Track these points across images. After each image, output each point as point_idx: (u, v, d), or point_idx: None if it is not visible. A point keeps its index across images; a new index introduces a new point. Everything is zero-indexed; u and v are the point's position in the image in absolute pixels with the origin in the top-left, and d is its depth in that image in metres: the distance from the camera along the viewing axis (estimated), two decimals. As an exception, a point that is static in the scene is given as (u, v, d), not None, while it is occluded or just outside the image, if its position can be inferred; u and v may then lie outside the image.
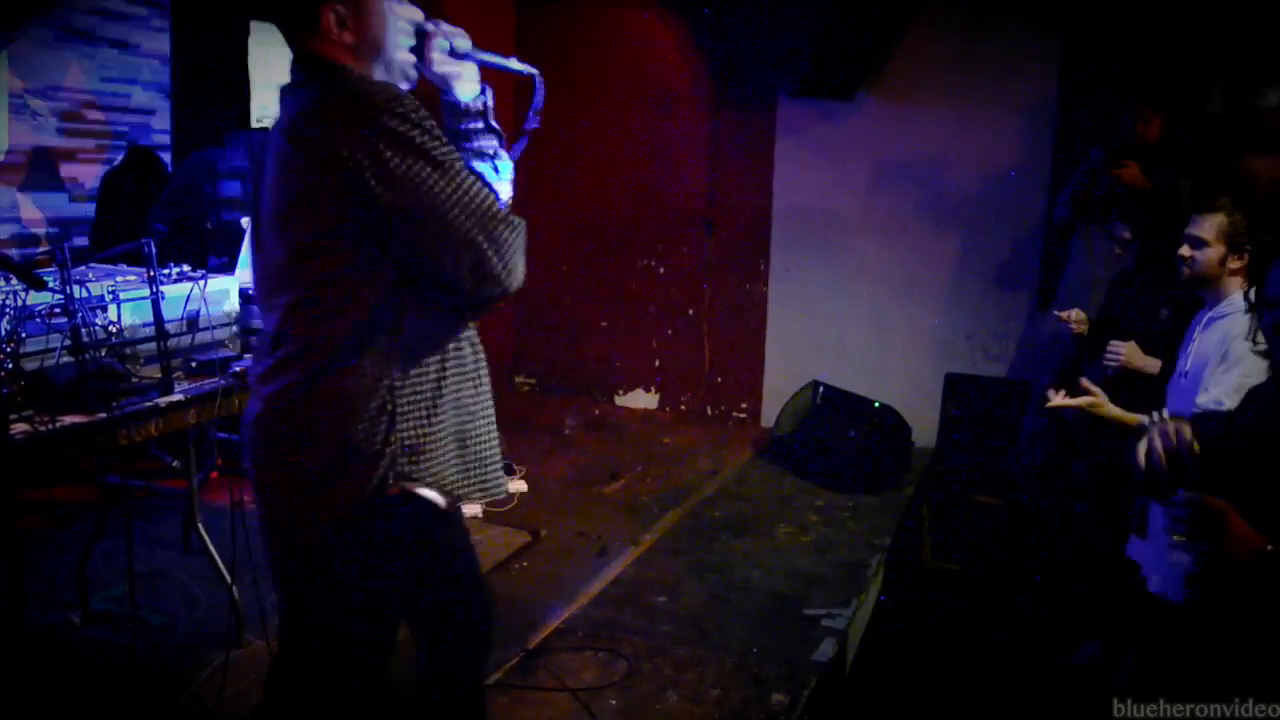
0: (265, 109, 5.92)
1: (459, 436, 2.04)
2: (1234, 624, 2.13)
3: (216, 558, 3.35)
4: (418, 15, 2.10)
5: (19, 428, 2.61)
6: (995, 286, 5.75)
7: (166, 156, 5.17)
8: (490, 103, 2.14)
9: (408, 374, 1.96)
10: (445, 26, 2.14)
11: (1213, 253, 3.13)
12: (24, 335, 2.76)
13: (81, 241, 4.86)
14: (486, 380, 2.12)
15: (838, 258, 6.03)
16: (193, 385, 3.09)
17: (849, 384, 5.62)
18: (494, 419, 2.13)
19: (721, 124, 6.15)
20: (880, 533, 4.62)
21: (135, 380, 2.96)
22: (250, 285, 3.57)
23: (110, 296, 3.00)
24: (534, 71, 2.19)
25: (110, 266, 3.38)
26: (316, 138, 1.89)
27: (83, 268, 3.17)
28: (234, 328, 3.45)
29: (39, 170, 4.71)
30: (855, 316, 6.03)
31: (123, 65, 4.97)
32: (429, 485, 1.98)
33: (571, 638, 3.55)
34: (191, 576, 3.81)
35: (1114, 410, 3.01)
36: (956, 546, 4.90)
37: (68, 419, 2.71)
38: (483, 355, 2.13)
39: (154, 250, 2.92)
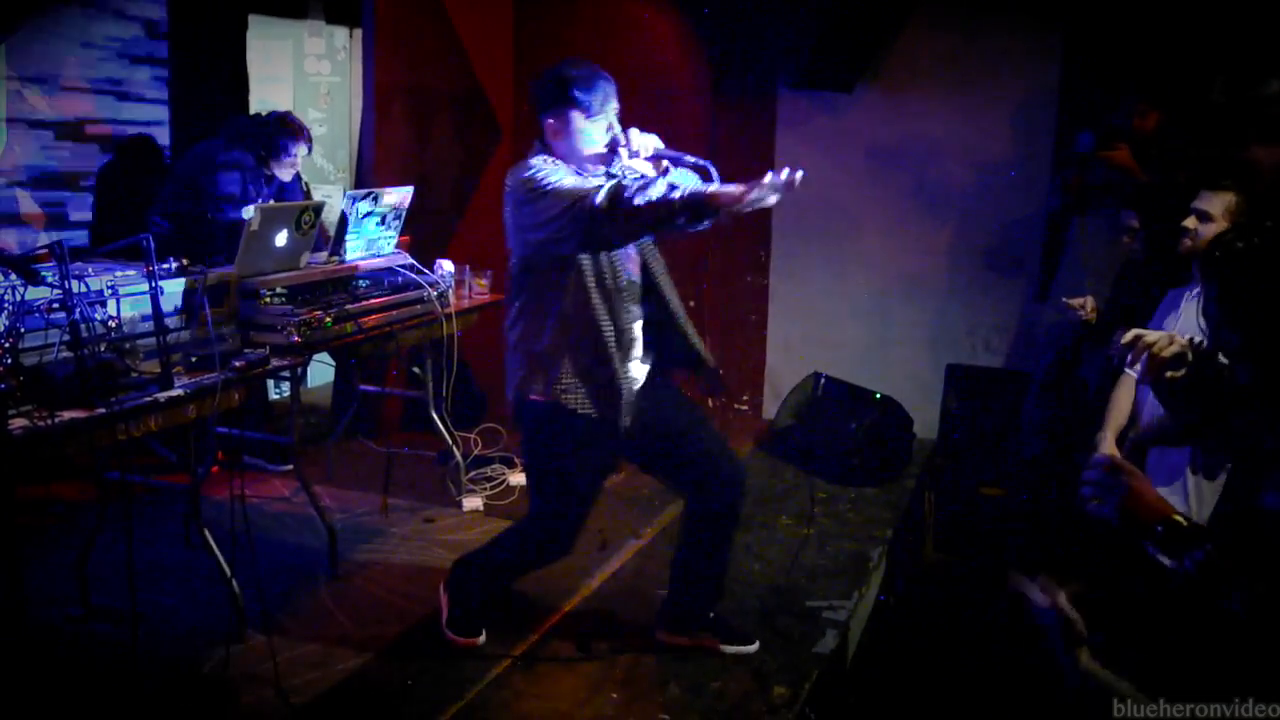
0: (264, 102, 5.90)
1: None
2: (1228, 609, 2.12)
3: (217, 552, 3.35)
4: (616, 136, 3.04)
5: (18, 423, 2.61)
6: (996, 278, 5.74)
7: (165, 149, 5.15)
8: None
9: None
10: (635, 140, 3.04)
11: (1216, 229, 3.12)
12: (23, 330, 2.76)
13: (81, 236, 4.85)
14: None
15: (838, 249, 6.02)
16: (192, 380, 3.09)
17: (850, 376, 5.61)
18: None
19: (721, 116, 6.13)
20: (882, 525, 4.62)
21: (134, 375, 2.95)
22: (250, 280, 3.57)
23: (109, 291, 2.99)
24: (708, 164, 2.99)
25: (109, 261, 3.37)
26: None
27: (81, 263, 3.15)
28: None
29: (37, 164, 4.70)
30: (856, 308, 6.02)
31: (121, 59, 4.95)
32: None
33: (574, 631, 3.54)
34: (192, 571, 3.81)
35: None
36: (959, 538, 4.90)
37: (67, 414, 2.71)
38: None
39: (152, 244, 2.91)
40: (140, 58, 5.02)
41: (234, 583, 3.34)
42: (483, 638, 3.39)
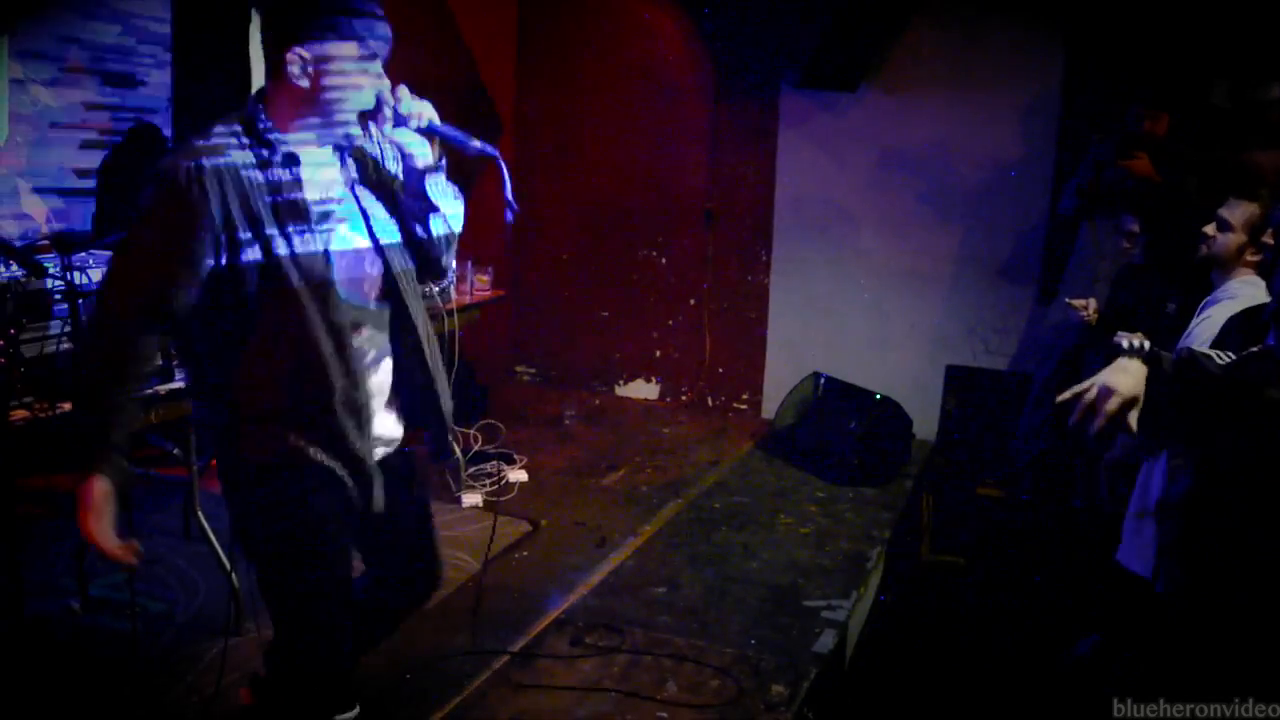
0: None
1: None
2: (1217, 612, 2.13)
3: (216, 545, 3.35)
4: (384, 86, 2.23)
5: (19, 414, 2.61)
6: (997, 279, 5.74)
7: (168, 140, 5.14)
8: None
9: None
10: (406, 101, 2.26)
11: (1234, 239, 3.14)
12: (25, 322, 2.76)
13: (84, 229, 4.84)
14: None
15: (839, 249, 6.02)
16: (193, 373, 3.08)
17: (850, 376, 5.61)
18: None
19: (723, 114, 6.13)
20: (880, 525, 4.62)
21: (136, 367, 2.95)
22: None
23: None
24: (495, 153, 2.29)
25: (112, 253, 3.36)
26: None
27: (84, 254, 3.15)
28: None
29: (40, 157, 4.69)
30: (856, 308, 6.02)
31: (125, 52, 4.94)
32: None
33: (571, 628, 3.55)
34: (191, 563, 3.81)
35: None
36: (957, 539, 4.90)
37: (68, 406, 2.71)
38: None
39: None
40: (144, 51, 5.01)
41: (233, 575, 3.33)
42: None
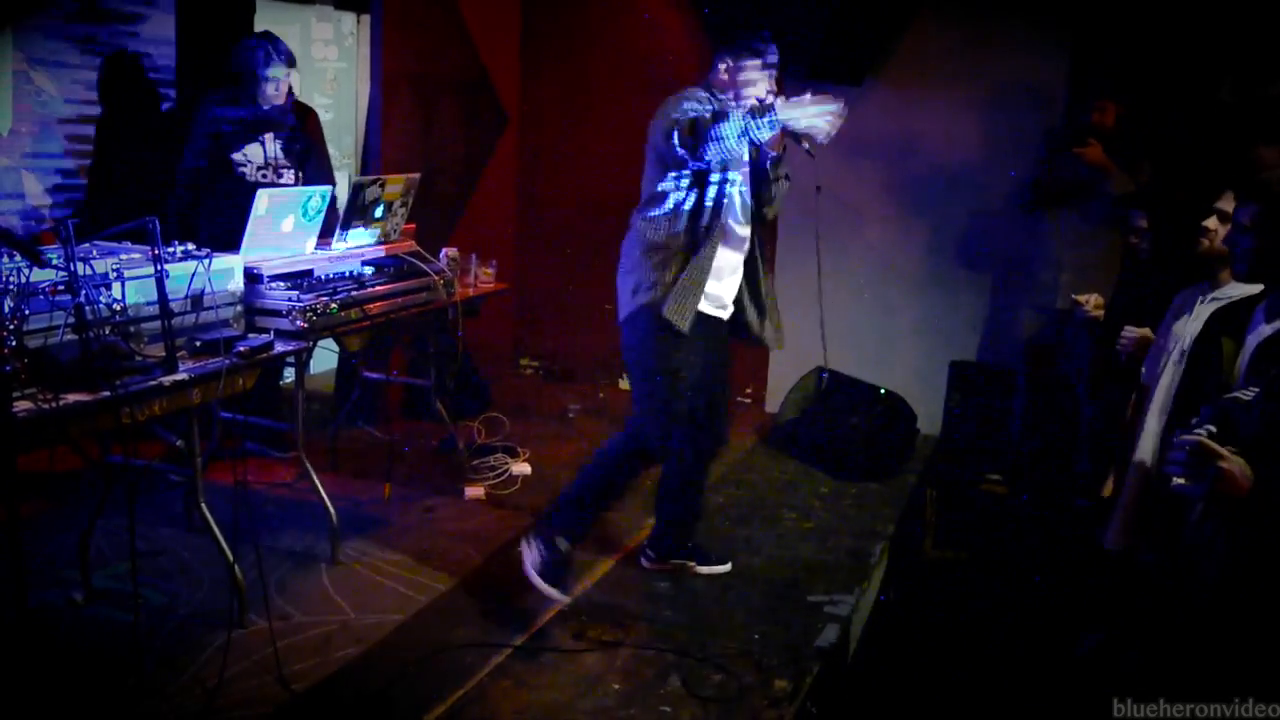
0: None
1: None
2: (1228, 608, 2.13)
3: (219, 536, 3.34)
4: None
5: (22, 406, 2.60)
6: (1002, 275, 5.72)
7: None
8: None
9: None
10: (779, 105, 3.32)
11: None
12: (27, 312, 2.74)
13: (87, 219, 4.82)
14: None
15: (844, 244, 5.99)
16: (196, 365, 3.08)
17: (854, 371, 5.60)
18: None
19: (729, 108, 6.11)
20: (884, 520, 4.62)
21: (139, 359, 2.94)
22: (255, 265, 3.56)
23: (114, 274, 2.98)
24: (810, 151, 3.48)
25: (115, 244, 3.35)
26: None
27: (87, 244, 3.14)
28: (238, 307, 3.43)
29: (42, 146, 4.68)
30: (861, 303, 6.01)
31: (129, 42, 4.93)
32: None
33: (573, 622, 3.54)
34: (194, 555, 3.81)
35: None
36: (961, 534, 4.90)
37: (71, 397, 2.70)
38: None
39: (158, 227, 2.90)
40: (148, 41, 4.99)
41: (236, 568, 3.33)
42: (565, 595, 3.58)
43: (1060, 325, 5.07)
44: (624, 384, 6.62)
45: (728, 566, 3.99)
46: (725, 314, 3.71)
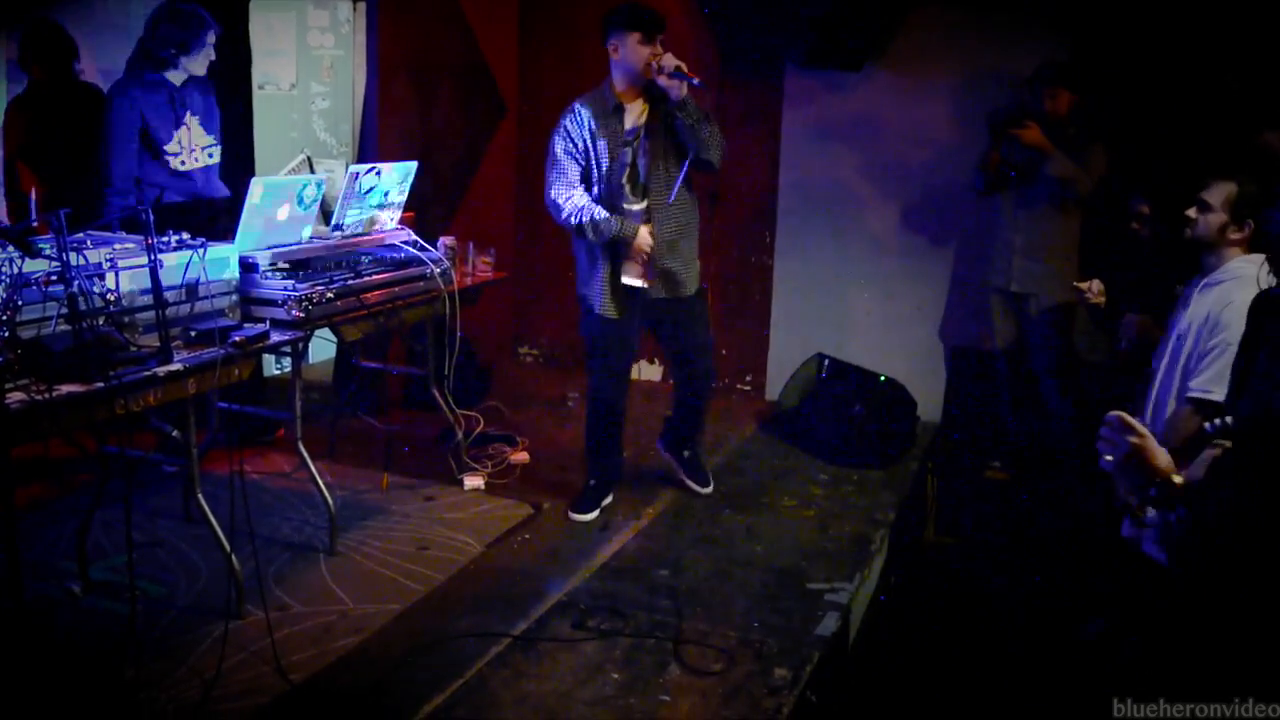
0: (267, 76, 5.86)
1: None
2: (1225, 599, 2.11)
3: (216, 528, 3.33)
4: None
5: (16, 397, 2.59)
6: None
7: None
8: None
9: None
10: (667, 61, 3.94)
11: (1214, 219, 3.15)
12: (20, 303, 2.73)
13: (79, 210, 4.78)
14: None
15: (843, 230, 5.97)
16: (192, 355, 3.06)
17: (854, 357, 5.59)
18: None
19: (727, 94, 6.07)
20: (884, 507, 4.60)
21: (134, 349, 2.93)
22: (251, 254, 3.54)
23: (108, 264, 2.96)
24: (701, 84, 3.95)
25: (109, 234, 3.34)
26: None
27: (80, 235, 3.13)
28: (234, 296, 3.42)
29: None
30: (861, 289, 5.98)
31: (123, 33, 4.90)
32: None
33: (573, 611, 3.53)
34: (191, 546, 3.80)
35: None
36: (962, 520, 4.89)
37: (65, 388, 2.69)
38: None
39: (151, 216, 2.88)
40: (142, 31, 4.96)
41: (233, 558, 3.32)
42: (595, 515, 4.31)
43: (1018, 310, 5.08)
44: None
45: (709, 489, 4.59)
46: (640, 283, 4.11)
